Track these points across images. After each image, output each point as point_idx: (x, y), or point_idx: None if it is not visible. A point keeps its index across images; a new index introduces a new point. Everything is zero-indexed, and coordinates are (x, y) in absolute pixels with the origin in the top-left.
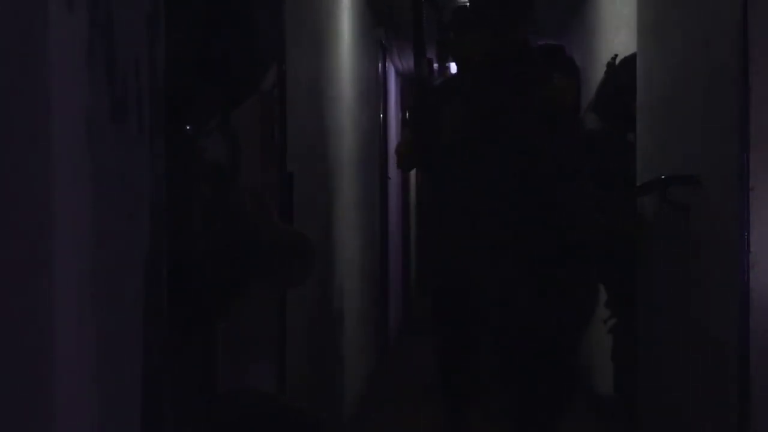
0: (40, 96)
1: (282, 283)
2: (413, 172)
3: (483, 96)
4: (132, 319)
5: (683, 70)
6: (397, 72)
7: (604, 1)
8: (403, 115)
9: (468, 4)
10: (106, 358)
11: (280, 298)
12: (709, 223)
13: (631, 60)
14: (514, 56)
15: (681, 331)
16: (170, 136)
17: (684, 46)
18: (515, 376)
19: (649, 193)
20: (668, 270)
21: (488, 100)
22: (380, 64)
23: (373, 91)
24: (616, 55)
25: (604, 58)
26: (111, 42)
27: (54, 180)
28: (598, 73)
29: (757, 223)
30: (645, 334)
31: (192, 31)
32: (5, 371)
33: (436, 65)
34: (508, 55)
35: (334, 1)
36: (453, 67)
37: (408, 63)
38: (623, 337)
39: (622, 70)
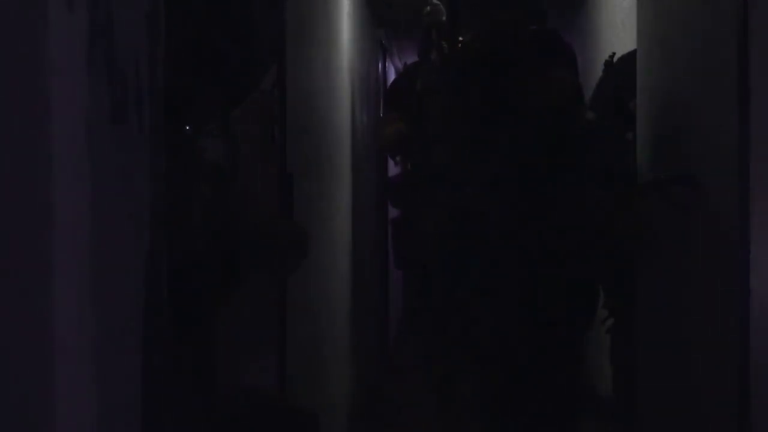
0: (40, 96)
1: (280, 273)
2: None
3: (471, 90)
4: (132, 319)
5: (683, 69)
6: (397, 72)
7: (604, 1)
8: (390, 94)
9: None
10: (106, 358)
11: (280, 298)
12: (709, 223)
13: (628, 58)
14: (504, 44)
15: (681, 331)
16: (170, 136)
17: (684, 46)
18: (514, 379)
19: (649, 193)
20: (668, 270)
21: (478, 94)
22: (380, 64)
23: (373, 91)
24: (614, 54)
25: (604, 58)
26: (111, 42)
27: (54, 180)
28: (597, 72)
29: (757, 223)
30: (644, 334)
31: (192, 31)
32: (5, 371)
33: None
34: (497, 44)
35: (334, 1)
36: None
37: (408, 63)
38: (622, 338)
39: (619, 69)
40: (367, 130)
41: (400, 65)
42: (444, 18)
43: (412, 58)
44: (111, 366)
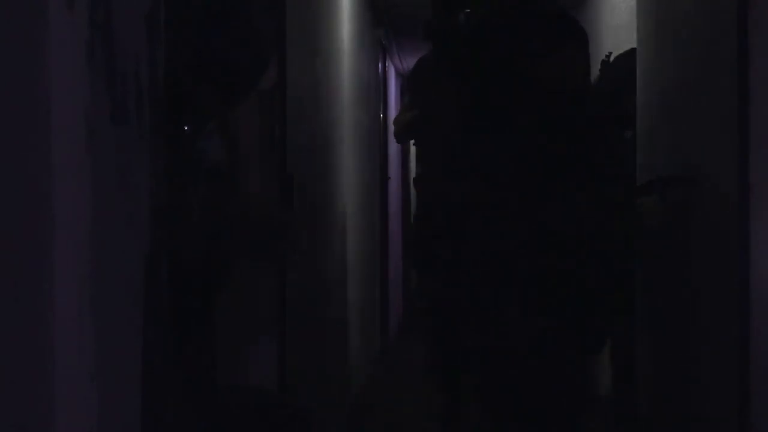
0: (40, 96)
1: (273, 259)
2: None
3: (470, 73)
4: (132, 319)
5: (683, 69)
6: (397, 72)
7: (604, 1)
8: (409, 82)
9: None
10: (106, 358)
11: (280, 297)
12: (709, 223)
13: (625, 57)
14: (508, 22)
15: (681, 331)
16: (170, 136)
17: (684, 46)
18: (521, 379)
19: (648, 193)
20: (668, 270)
21: (478, 77)
22: (380, 64)
23: (373, 91)
24: (610, 53)
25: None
26: (111, 42)
27: (54, 180)
28: (595, 72)
29: (757, 223)
30: (644, 335)
31: (191, 32)
32: (5, 371)
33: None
34: (500, 21)
35: (334, 1)
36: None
37: (408, 63)
38: (622, 338)
39: (617, 68)
40: (367, 130)
41: (400, 65)
42: None
43: (411, 58)
44: (111, 366)
